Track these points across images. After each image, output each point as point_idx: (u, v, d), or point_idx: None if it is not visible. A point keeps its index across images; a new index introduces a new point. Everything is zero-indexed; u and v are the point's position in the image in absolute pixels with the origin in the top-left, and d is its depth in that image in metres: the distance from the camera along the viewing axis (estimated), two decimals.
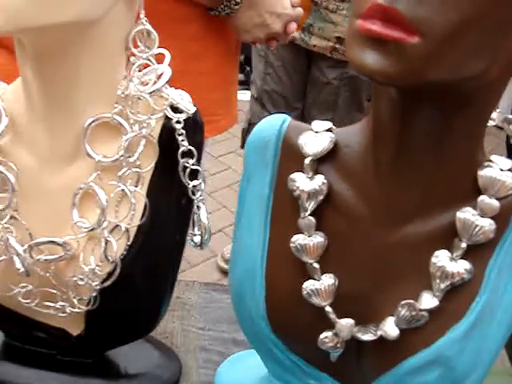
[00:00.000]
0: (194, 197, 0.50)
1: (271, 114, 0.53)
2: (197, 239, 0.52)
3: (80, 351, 0.57)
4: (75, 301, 0.51)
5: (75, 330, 0.56)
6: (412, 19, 0.35)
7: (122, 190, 0.49)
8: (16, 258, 0.51)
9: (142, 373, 0.59)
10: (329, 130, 0.49)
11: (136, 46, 0.48)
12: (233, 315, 0.67)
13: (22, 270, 0.50)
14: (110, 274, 0.50)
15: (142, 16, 0.47)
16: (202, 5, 0.82)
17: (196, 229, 0.52)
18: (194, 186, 0.50)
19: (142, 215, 0.49)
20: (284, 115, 0.51)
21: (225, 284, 0.70)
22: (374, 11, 0.36)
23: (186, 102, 0.49)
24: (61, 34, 0.44)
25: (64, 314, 0.52)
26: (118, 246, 0.49)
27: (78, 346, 0.57)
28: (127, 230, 0.49)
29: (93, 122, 0.48)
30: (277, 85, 1.82)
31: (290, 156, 0.49)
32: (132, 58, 0.48)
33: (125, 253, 0.50)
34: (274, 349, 0.53)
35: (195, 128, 0.50)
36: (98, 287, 0.50)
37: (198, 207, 0.51)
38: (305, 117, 2.06)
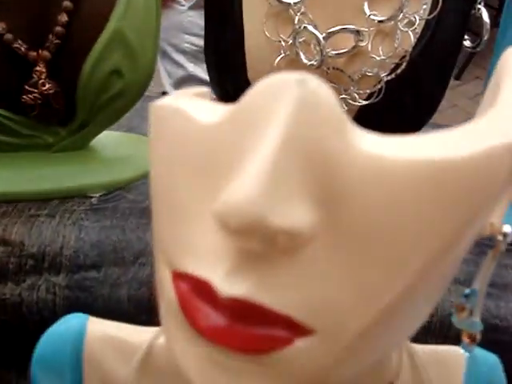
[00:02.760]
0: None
1: None
2: (467, 43, 0.56)
3: None
4: (356, 95, 0.55)
5: None
6: None
7: None
8: (302, 54, 0.55)
9: None
10: None
11: None
12: None
13: (313, 62, 0.54)
14: (397, 65, 0.54)
15: None
16: None
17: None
18: None
19: (430, 11, 0.53)
20: None
21: None
22: None
23: None
24: None
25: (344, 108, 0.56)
26: (409, 38, 0.53)
27: None
28: (417, 24, 0.53)
29: None
30: None
31: None
32: None
33: (413, 45, 0.54)
34: None
35: None
36: (385, 78, 0.54)
37: (479, 10, 0.54)
38: None
